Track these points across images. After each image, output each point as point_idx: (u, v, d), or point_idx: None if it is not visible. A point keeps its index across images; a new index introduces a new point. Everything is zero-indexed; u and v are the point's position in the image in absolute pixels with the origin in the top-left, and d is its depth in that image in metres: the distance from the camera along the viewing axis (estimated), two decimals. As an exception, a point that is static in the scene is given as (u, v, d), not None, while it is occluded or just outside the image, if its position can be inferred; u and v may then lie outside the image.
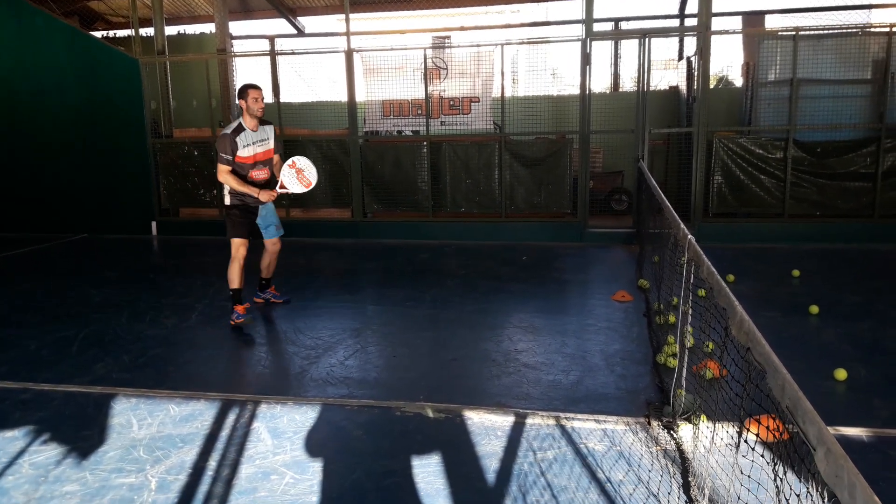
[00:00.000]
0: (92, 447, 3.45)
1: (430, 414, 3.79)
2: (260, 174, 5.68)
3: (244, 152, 5.49)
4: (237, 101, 5.53)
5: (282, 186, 5.62)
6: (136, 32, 10.42)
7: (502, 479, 3.08)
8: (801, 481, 1.74)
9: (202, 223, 10.31)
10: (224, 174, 5.44)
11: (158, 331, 5.48)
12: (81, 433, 3.61)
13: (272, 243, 5.96)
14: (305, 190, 5.71)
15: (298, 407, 3.92)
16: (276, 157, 5.86)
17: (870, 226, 8.73)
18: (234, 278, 5.61)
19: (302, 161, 5.70)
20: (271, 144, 5.73)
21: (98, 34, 13.51)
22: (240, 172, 5.55)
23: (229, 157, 5.43)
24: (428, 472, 3.15)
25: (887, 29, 8.64)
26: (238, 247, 5.61)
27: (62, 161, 10.46)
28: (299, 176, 5.66)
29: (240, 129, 5.47)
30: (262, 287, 6.27)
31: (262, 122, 5.65)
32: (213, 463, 3.27)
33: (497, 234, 9.52)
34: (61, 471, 3.21)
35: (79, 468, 3.24)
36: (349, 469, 3.19)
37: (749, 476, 2.36)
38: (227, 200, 5.63)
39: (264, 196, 5.52)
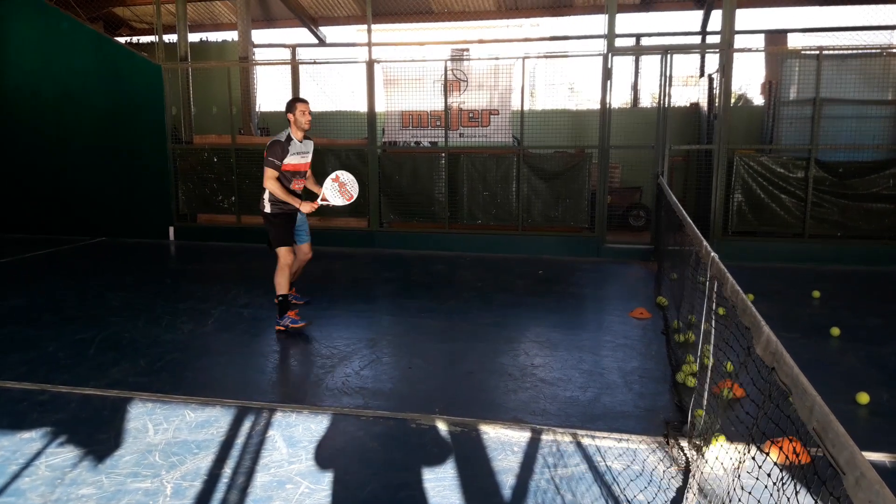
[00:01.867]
0: (108, 451, 3.45)
1: (446, 427, 3.76)
2: (299, 184, 5.78)
3: (291, 160, 5.60)
4: (286, 114, 5.62)
5: (323, 199, 5.62)
6: (160, 39, 10.54)
7: (519, 495, 3.05)
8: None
9: (219, 229, 10.36)
10: (271, 180, 5.51)
11: (175, 336, 5.50)
12: (98, 436, 3.62)
13: (304, 252, 6.11)
14: (346, 203, 5.71)
15: (314, 416, 3.90)
16: (308, 172, 5.96)
17: (892, 248, 8.62)
18: (284, 284, 5.63)
19: (345, 175, 5.72)
20: (310, 157, 5.86)
21: (122, 40, 13.67)
22: (282, 180, 5.62)
23: (279, 163, 5.51)
24: (443, 486, 3.12)
25: (912, 50, 8.57)
26: (286, 254, 5.65)
27: (83, 164, 10.56)
28: (342, 189, 5.68)
29: (290, 138, 5.59)
30: None
31: (306, 135, 5.76)
32: (228, 470, 3.26)
33: (513, 247, 9.50)
34: (77, 473, 3.22)
35: (95, 471, 3.24)
36: (364, 480, 3.17)
37: (766, 499, 2.31)
38: (268, 208, 5.68)
39: (306, 207, 5.62)
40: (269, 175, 5.51)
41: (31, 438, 3.58)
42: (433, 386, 4.48)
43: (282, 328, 5.58)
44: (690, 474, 3.23)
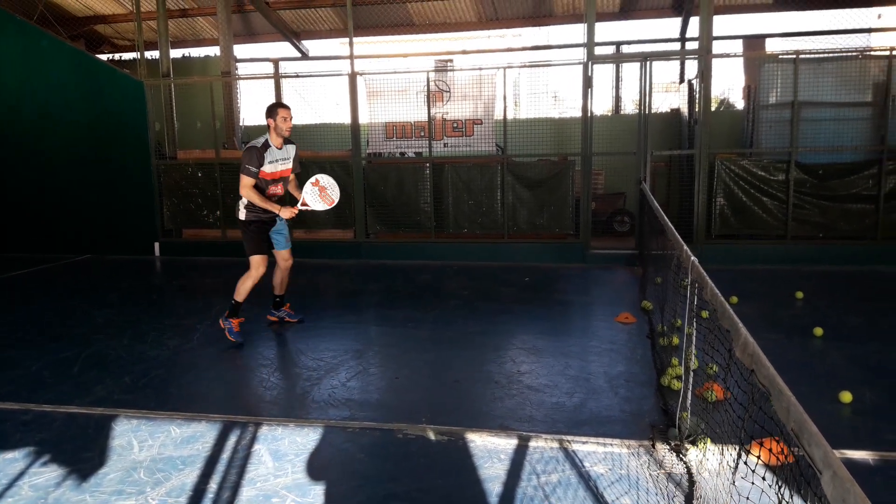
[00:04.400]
0: (92, 469, 3.42)
1: (433, 436, 3.76)
2: (276, 190, 5.74)
3: (268, 168, 5.55)
4: (266, 119, 5.57)
5: (303, 204, 5.61)
6: (142, 55, 10.52)
7: (506, 502, 3.05)
8: (807, 505, 1.72)
9: (205, 244, 10.34)
10: (247, 188, 5.46)
11: (160, 352, 5.47)
12: (82, 455, 3.59)
13: (284, 258, 5.97)
14: (327, 207, 5.72)
15: (300, 429, 3.89)
16: (292, 177, 5.92)
17: (872, 248, 8.72)
18: (244, 292, 5.63)
19: (325, 179, 5.71)
20: (291, 164, 5.80)
21: (104, 57, 13.65)
22: (259, 186, 5.60)
23: (255, 170, 5.47)
24: (431, 497, 3.12)
25: (887, 52, 8.70)
26: (258, 264, 5.61)
27: (67, 182, 10.51)
28: (322, 194, 5.67)
29: (267, 144, 5.53)
30: (276, 305, 6.26)
31: (287, 140, 5.71)
32: (213, 485, 3.25)
33: (499, 255, 9.52)
34: (61, 493, 3.19)
35: (79, 490, 3.21)
36: (351, 492, 3.16)
37: (756, 500, 2.34)
38: (243, 216, 5.66)
39: (285, 213, 5.54)
40: (246, 183, 5.48)
41: (13, 458, 3.55)
42: (420, 395, 4.48)
43: (223, 326, 5.64)
44: (677, 477, 3.25)
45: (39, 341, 5.81)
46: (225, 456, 3.56)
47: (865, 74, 8.84)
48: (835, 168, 8.80)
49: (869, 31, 12.49)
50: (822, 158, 8.89)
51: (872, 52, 9.33)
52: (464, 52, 14.50)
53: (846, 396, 4.17)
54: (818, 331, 5.61)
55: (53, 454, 3.60)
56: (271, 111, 5.54)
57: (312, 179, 5.68)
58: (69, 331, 6.15)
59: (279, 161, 5.64)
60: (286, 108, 5.56)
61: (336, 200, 5.74)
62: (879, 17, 14.22)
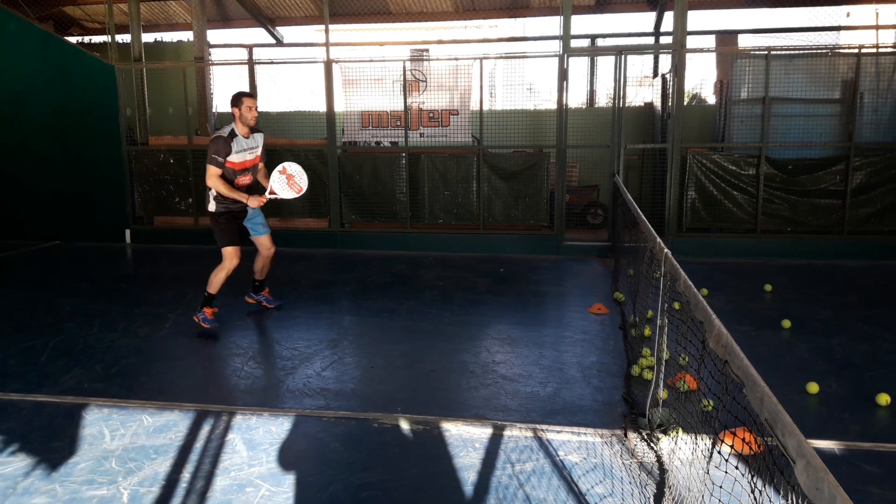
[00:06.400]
0: (62, 458, 3.38)
1: (408, 426, 3.77)
2: (245, 179, 5.72)
3: (235, 157, 5.53)
4: (231, 109, 5.55)
5: (271, 192, 5.64)
6: (112, 39, 10.32)
7: (480, 491, 3.08)
8: (779, 494, 1.76)
9: (177, 232, 10.20)
10: (214, 178, 5.45)
11: (131, 340, 5.40)
12: (51, 444, 3.54)
13: (266, 247, 5.98)
14: (296, 196, 5.73)
15: (274, 418, 3.88)
16: (260, 165, 5.95)
17: (839, 242, 8.89)
18: (217, 284, 5.62)
19: (293, 167, 5.72)
20: (259, 152, 5.79)
21: (73, 40, 13.35)
22: (227, 176, 5.59)
23: (221, 160, 5.45)
24: (405, 485, 3.13)
25: (856, 50, 8.85)
26: (231, 256, 5.60)
27: (35, 167, 10.28)
28: (290, 182, 5.68)
29: (233, 134, 5.51)
30: (255, 289, 6.30)
31: (253, 129, 5.70)
32: (186, 475, 3.22)
33: (475, 246, 9.54)
34: (30, 483, 3.14)
35: (48, 480, 3.17)
36: (325, 481, 3.16)
37: (728, 489, 2.38)
38: (213, 207, 5.63)
39: (253, 202, 5.57)
40: (212, 172, 5.46)
41: (-19, 448, 3.49)
42: (395, 385, 4.48)
43: (197, 319, 5.63)
44: (648, 466, 3.29)
45: (5, 330, 5.70)
46: (198, 445, 3.53)
47: (834, 72, 8.98)
48: (804, 163, 8.95)
49: (838, 28, 12.70)
50: (792, 154, 9.03)
51: (841, 50, 9.48)
52: (440, 42, 14.45)
53: (813, 387, 4.27)
54: (786, 323, 5.72)
55: (22, 443, 3.54)
56: (236, 100, 5.53)
57: (280, 167, 5.68)
58: (37, 319, 6.04)
59: (246, 150, 5.63)
60: (251, 97, 5.55)
61: (304, 188, 5.74)
62: (848, 15, 14.48)
